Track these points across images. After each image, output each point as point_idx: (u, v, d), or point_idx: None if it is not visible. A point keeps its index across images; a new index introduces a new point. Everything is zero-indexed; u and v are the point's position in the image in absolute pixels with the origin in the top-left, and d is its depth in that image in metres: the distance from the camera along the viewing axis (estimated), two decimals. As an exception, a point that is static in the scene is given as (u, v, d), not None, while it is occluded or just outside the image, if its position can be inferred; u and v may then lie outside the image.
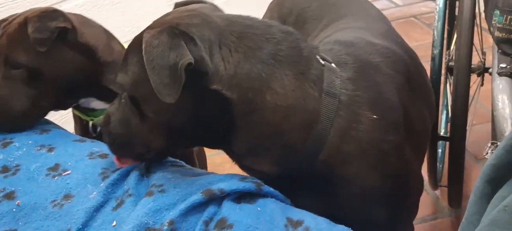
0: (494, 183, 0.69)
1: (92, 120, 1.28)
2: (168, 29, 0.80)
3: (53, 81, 1.15)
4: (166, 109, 0.84)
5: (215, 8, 0.96)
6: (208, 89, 0.83)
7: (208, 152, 1.92)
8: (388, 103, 0.94)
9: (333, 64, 0.92)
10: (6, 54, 1.11)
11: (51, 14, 1.12)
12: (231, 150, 0.92)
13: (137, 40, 0.86)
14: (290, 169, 0.90)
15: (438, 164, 1.69)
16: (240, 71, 0.83)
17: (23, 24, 1.10)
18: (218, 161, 2.00)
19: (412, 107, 1.00)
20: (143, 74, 0.81)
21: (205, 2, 0.98)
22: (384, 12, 3.19)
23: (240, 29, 0.86)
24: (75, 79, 1.18)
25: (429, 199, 1.78)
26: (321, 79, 0.88)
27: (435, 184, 1.56)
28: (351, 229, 0.84)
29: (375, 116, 0.90)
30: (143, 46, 0.79)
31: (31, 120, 1.16)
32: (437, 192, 1.77)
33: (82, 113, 1.28)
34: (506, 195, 0.65)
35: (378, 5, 3.31)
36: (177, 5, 1.00)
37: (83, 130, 1.33)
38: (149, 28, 0.86)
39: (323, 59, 0.92)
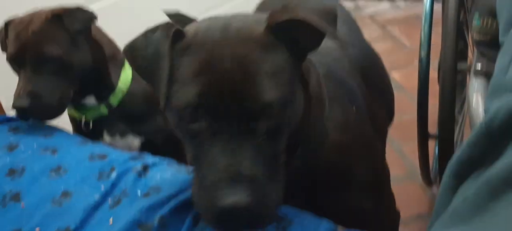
0: (458, 177, 0.73)
1: (83, 116, 1.38)
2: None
3: (78, 72, 1.26)
4: (296, 118, 0.78)
5: None
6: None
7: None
8: (358, 98, 1.00)
9: None
10: (38, 50, 1.20)
11: (82, 9, 1.25)
12: None
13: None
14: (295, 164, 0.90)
15: (434, 162, 1.72)
16: None
17: (51, 19, 1.22)
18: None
19: (371, 104, 1.06)
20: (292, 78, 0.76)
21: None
22: (386, 14, 3.25)
23: None
24: (92, 71, 1.30)
25: (426, 197, 1.82)
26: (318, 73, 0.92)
27: (428, 181, 1.59)
28: (339, 224, 0.88)
29: (354, 108, 0.96)
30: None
31: (64, 109, 1.28)
32: (434, 189, 1.80)
33: (75, 111, 1.36)
34: (468, 188, 0.69)
35: (379, 6, 3.35)
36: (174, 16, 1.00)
37: (78, 129, 1.41)
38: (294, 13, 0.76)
39: None
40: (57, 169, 1.05)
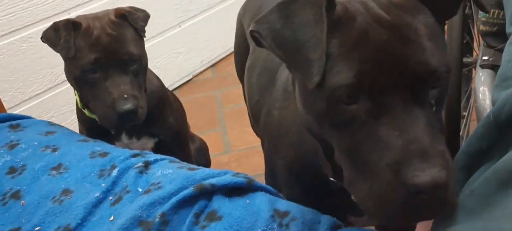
0: (466, 170, 0.71)
1: None
2: None
3: (146, 72, 1.30)
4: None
5: None
6: None
7: (215, 151, 1.96)
8: None
9: None
10: (124, 51, 1.21)
11: (135, 8, 1.29)
12: None
13: None
14: None
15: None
16: None
17: (120, 22, 1.24)
18: (224, 160, 2.05)
19: None
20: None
21: None
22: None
23: None
24: None
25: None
26: None
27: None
28: None
29: None
30: None
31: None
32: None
33: None
34: (475, 181, 0.68)
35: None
36: None
37: (90, 131, 1.39)
38: None
39: None
40: (58, 167, 1.04)
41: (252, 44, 1.27)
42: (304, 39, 0.64)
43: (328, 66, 0.63)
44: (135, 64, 1.23)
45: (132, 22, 1.24)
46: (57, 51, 1.24)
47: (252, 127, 1.72)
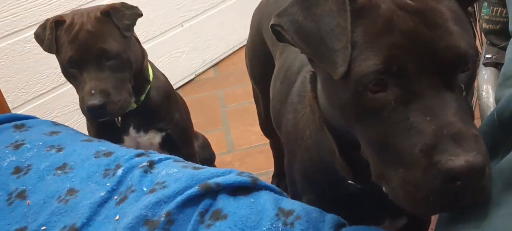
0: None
1: None
2: None
3: (132, 67, 1.30)
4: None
5: None
6: None
7: (217, 150, 1.97)
8: None
9: None
10: (99, 47, 1.22)
11: (126, 5, 1.28)
12: None
13: None
14: None
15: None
16: None
17: (101, 18, 1.24)
18: (227, 159, 2.05)
19: None
20: None
21: None
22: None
23: None
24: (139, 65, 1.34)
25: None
26: None
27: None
28: None
29: None
30: None
31: (129, 106, 1.30)
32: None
33: None
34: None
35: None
36: None
37: (97, 126, 1.41)
38: None
39: None
40: (63, 167, 1.04)
41: (277, 53, 1.25)
42: (327, 29, 0.63)
43: (354, 55, 0.62)
44: (112, 60, 1.24)
45: (115, 19, 1.25)
46: (44, 49, 1.27)
47: (262, 129, 1.72)
